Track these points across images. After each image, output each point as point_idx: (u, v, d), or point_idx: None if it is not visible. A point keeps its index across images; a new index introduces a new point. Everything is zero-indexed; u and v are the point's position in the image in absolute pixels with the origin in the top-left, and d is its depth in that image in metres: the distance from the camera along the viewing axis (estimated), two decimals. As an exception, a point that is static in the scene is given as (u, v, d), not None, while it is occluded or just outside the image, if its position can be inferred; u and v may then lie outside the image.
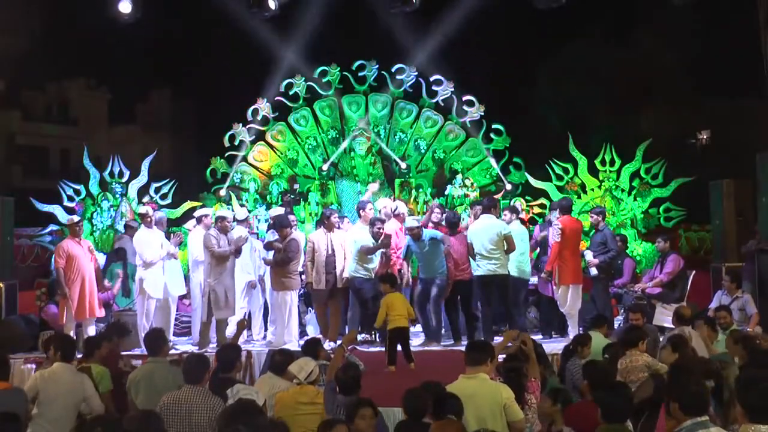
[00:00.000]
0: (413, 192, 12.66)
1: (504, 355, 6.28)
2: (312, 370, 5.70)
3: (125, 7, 11.08)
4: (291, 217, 9.94)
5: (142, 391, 5.86)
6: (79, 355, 7.07)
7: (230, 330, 9.74)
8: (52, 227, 12.93)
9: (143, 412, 5.15)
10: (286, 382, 5.86)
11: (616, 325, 9.90)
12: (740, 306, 9.21)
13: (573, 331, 9.47)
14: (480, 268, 9.37)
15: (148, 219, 9.85)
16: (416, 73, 13.16)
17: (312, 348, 6.59)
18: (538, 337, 9.09)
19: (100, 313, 9.62)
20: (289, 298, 9.47)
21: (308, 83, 13.25)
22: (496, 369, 5.64)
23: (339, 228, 9.96)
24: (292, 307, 9.48)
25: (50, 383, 5.90)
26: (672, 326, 8.19)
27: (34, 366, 8.42)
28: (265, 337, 10.10)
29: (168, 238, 10.18)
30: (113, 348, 7.25)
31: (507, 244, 9.27)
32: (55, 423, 5.79)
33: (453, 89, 13.11)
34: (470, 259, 9.47)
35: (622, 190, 12.66)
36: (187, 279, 10.29)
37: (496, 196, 12.40)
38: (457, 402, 4.86)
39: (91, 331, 9.44)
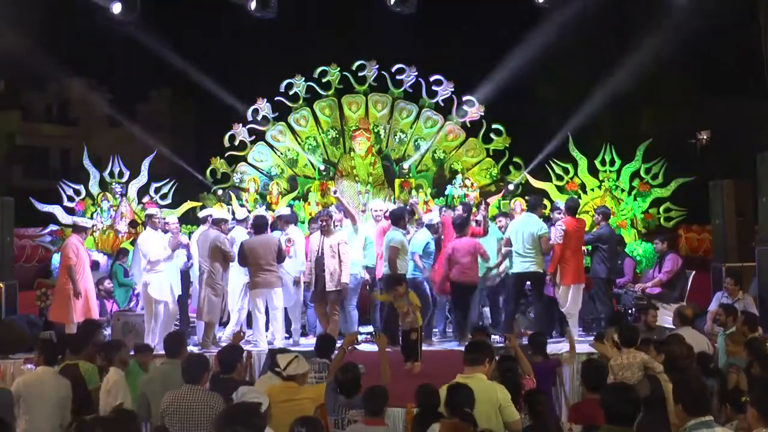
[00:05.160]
0: (413, 192, 12.66)
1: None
2: (290, 363, 5.66)
3: (116, 8, 11.12)
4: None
5: (158, 391, 5.84)
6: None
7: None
8: (52, 227, 12.94)
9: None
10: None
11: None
12: (742, 308, 9.18)
13: (573, 331, 9.46)
14: (515, 265, 9.47)
15: (156, 220, 9.86)
16: (416, 73, 13.17)
17: (326, 345, 6.60)
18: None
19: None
20: (258, 299, 9.52)
21: (308, 83, 13.27)
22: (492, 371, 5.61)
23: (334, 229, 9.87)
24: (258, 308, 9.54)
25: (32, 388, 5.94)
26: (672, 326, 8.18)
27: (33, 367, 8.41)
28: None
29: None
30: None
31: (541, 244, 9.33)
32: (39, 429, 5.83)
33: (453, 89, 13.13)
34: (477, 262, 9.53)
35: (622, 190, 12.67)
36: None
37: (496, 197, 12.44)
38: (469, 392, 4.84)
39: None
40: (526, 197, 12.53)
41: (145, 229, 10.21)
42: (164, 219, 10.27)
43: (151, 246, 9.58)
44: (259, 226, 9.62)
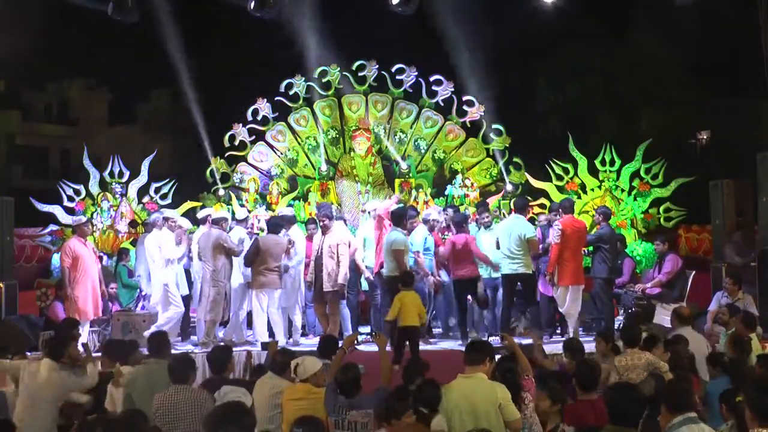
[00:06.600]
0: (413, 192, 12.65)
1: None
2: (295, 369, 5.70)
3: (110, 8, 11.12)
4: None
5: (144, 390, 5.83)
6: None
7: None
8: (52, 227, 12.93)
9: (127, 412, 5.19)
10: (286, 382, 5.88)
11: (615, 325, 9.91)
12: (742, 308, 9.17)
13: (571, 331, 9.46)
14: (503, 267, 9.47)
15: (172, 223, 9.94)
16: (416, 73, 13.16)
17: (328, 346, 6.60)
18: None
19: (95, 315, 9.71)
20: (262, 297, 9.54)
21: (308, 83, 13.26)
22: (492, 371, 5.60)
23: (329, 229, 9.69)
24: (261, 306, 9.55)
25: (31, 379, 6.06)
26: (671, 326, 8.17)
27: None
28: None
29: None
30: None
31: (529, 246, 9.32)
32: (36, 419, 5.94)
33: (453, 89, 13.11)
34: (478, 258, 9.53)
35: (622, 190, 12.67)
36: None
37: (496, 197, 12.43)
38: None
39: (85, 332, 9.42)
40: (527, 197, 12.56)
41: (146, 230, 10.25)
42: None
43: (172, 246, 9.70)
44: (275, 225, 9.72)
